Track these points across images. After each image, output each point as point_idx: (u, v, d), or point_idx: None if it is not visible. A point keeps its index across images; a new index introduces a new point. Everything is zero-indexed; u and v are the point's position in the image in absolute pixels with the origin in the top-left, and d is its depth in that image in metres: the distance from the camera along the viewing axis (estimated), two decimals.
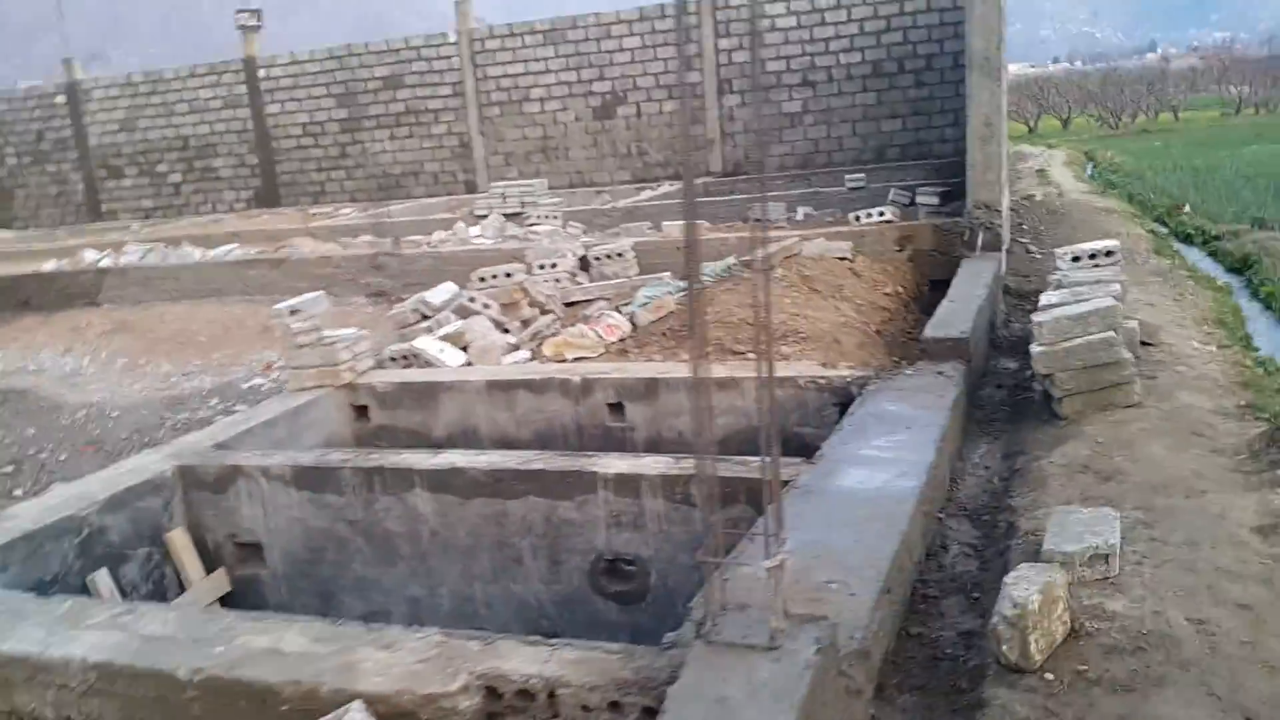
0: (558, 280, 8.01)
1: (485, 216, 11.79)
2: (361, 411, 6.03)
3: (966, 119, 7.21)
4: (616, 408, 5.56)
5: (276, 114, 18.23)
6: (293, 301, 5.92)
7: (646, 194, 14.16)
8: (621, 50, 16.30)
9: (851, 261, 7.31)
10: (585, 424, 5.64)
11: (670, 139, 16.41)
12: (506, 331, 7.11)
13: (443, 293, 7.25)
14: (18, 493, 5.38)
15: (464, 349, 6.59)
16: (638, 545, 4.06)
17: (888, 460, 3.82)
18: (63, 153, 19.51)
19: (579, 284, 8.16)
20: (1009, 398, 5.26)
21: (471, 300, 7.00)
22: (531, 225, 10.52)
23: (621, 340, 6.44)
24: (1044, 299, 5.04)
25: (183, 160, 18.91)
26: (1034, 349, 4.58)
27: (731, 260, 7.05)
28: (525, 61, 16.73)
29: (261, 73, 18.06)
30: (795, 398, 5.22)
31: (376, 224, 12.59)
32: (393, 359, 6.61)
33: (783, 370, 5.31)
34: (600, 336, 6.42)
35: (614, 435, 5.58)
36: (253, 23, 17.89)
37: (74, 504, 4.22)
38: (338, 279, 9.21)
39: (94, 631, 3.06)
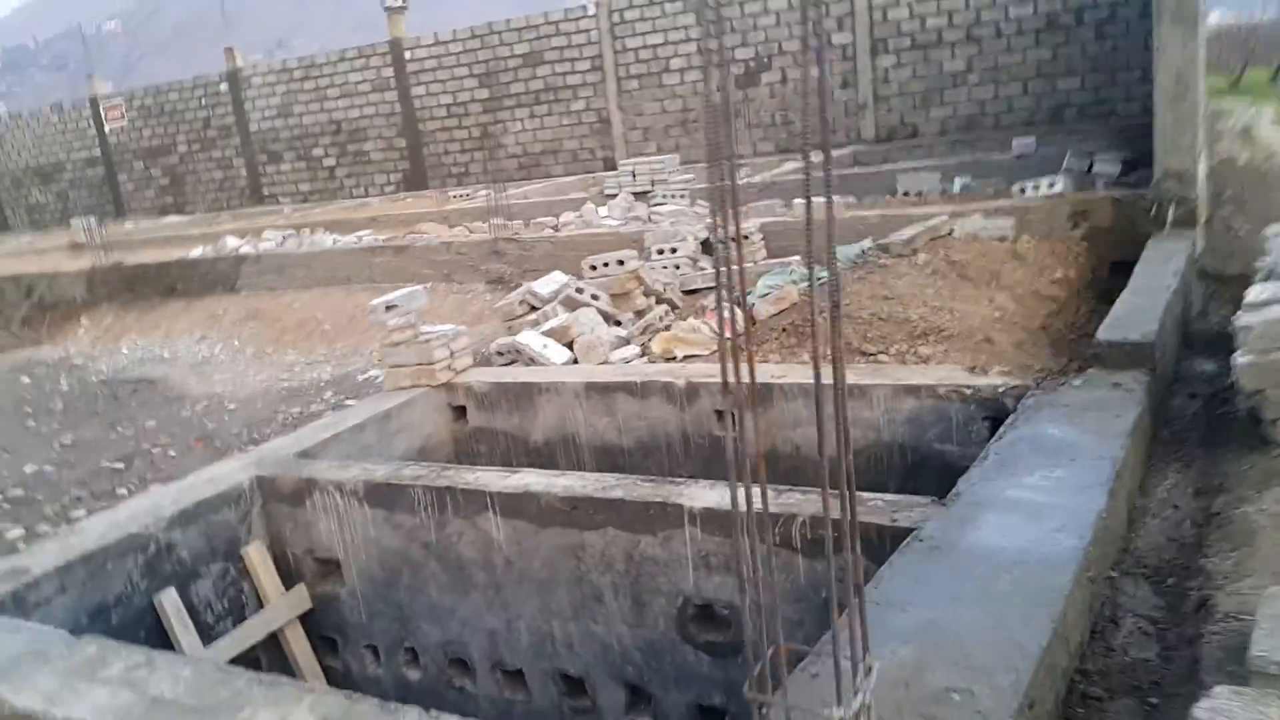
0: (676, 266, 7.42)
1: (615, 196, 11.32)
2: (460, 413, 5.66)
3: (1155, 75, 6.10)
4: (723, 415, 4.94)
5: (422, 96, 18.35)
6: (389, 296, 5.59)
7: (789, 165, 13.30)
8: (766, 13, 15.41)
9: (1013, 242, 6.36)
10: (691, 432, 5.05)
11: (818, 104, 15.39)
12: (618, 324, 6.60)
13: (551, 283, 6.80)
14: (121, 491, 5.32)
15: (569, 344, 6.12)
16: (731, 591, 3.46)
17: (1043, 505, 3.05)
18: (227, 139, 20.39)
19: (701, 270, 7.54)
20: (1204, 411, 4.30)
21: (579, 291, 6.51)
22: (657, 205, 9.95)
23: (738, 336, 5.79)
24: (1251, 293, 4.05)
25: (335, 144, 19.36)
26: (1239, 359, 3.65)
27: (866, 244, 6.26)
28: (664, 31, 16.10)
29: (407, 55, 18.19)
30: (935, 408, 4.45)
31: (504, 206, 12.35)
32: (499, 354, 6.22)
33: (919, 376, 4.55)
34: (714, 331, 5.80)
35: (721, 447, 4.97)
36: (398, 4, 18.02)
37: (141, 519, 4.01)
38: (459, 265, 8.95)
39: (104, 687, 2.75)
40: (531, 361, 6.04)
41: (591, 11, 16.54)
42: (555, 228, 9.97)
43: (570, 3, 17.05)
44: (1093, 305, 5.70)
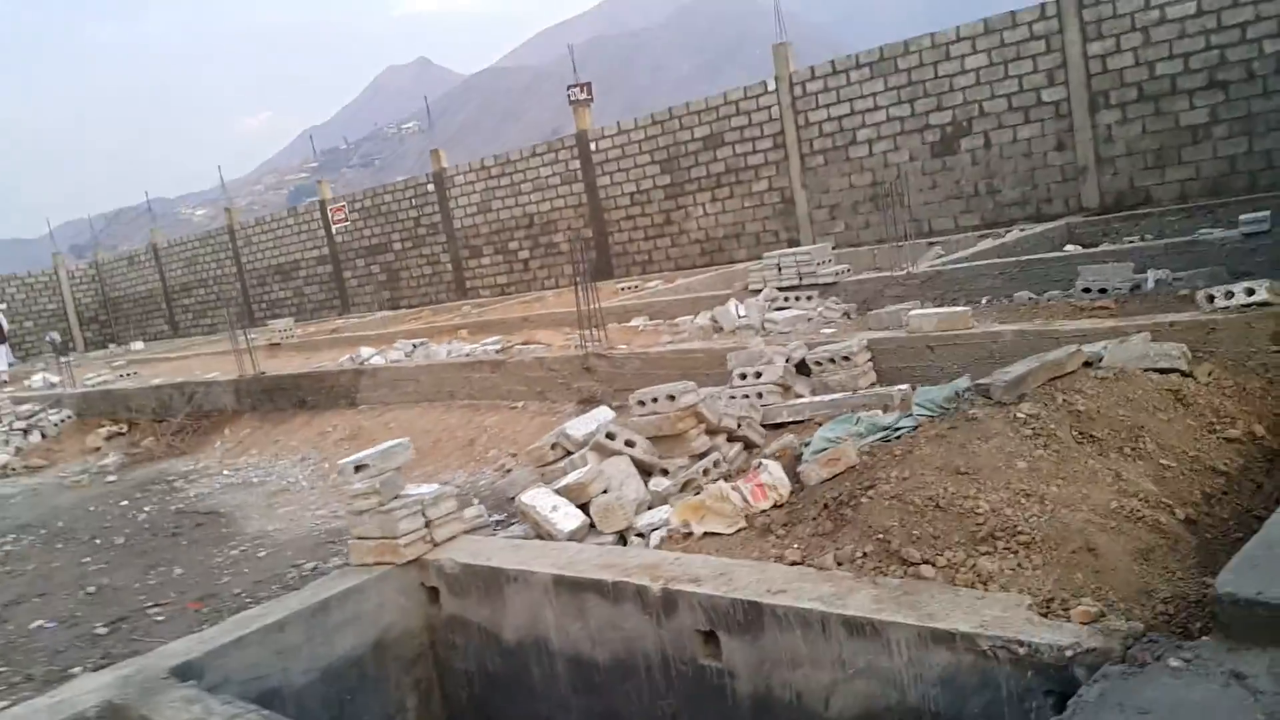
0: (759, 395, 6.14)
1: (760, 291, 10.12)
2: (436, 595, 4.72)
3: None
4: (711, 637, 3.65)
5: (606, 186, 18.11)
6: (361, 455, 4.78)
7: (987, 243, 11.48)
8: (964, 72, 13.72)
9: (1184, 376, 4.56)
10: (672, 655, 3.78)
11: (1029, 171, 13.44)
12: (665, 473, 5.42)
13: (589, 421, 5.76)
14: (75, 670, 4.82)
15: (585, 505, 5.03)
16: None
17: None
18: (434, 236, 21.20)
19: (799, 397, 6.21)
20: None
21: (610, 436, 5.40)
22: (780, 308, 8.65)
23: (777, 507, 4.45)
24: None
25: (529, 237, 19.53)
26: None
27: (963, 383, 4.70)
28: (850, 100, 14.81)
29: (592, 146, 18.05)
30: (977, 669, 2.94)
31: (650, 303, 11.48)
32: (505, 517, 5.25)
33: (962, 612, 3.06)
34: (747, 501, 4.50)
35: (708, 682, 3.67)
36: (583, 96, 17.98)
37: None
38: (552, 383, 8.12)
39: None
40: (536, 528, 5.01)
41: (771, 87, 15.56)
42: (677, 333, 8.94)
43: (752, 80, 16.19)
44: None
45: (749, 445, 5.86)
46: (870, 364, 6.18)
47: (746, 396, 6.16)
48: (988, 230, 13.16)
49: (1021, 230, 12.10)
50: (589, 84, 17.99)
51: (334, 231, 22.76)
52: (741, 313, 9.33)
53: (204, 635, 4.12)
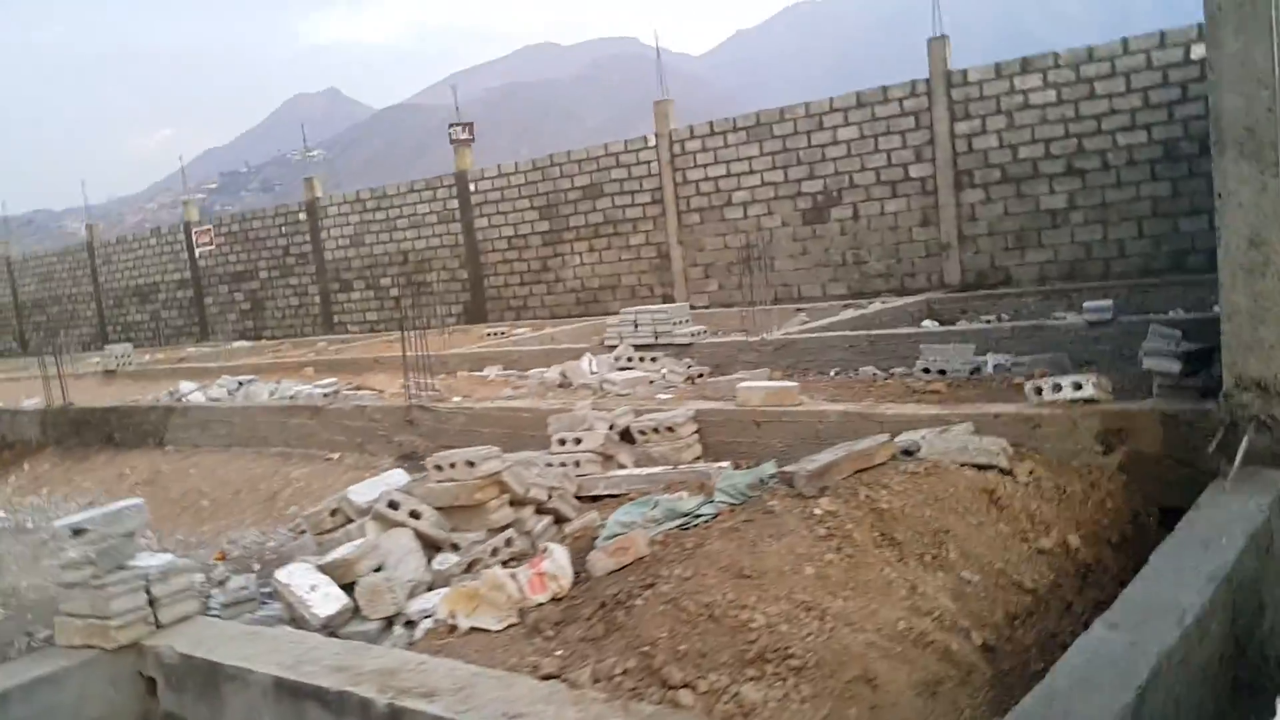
0: (576, 463, 5.66)
1: (615, 346, 9.72)
2: (155, 687, 4.03)
3: (1219, 236, 4.03)
4: None
5: (484, 227, 17.59)
6: (85, 515, 4.09)
7: (849, 313, 11.38)
8: (836, 143, 13.79)
9: (1002, 473, 4.28)
10: None
11: (894, 244, 13.51)
12: (456, 549, 4.87)
13: (375, 486, 5.17)
14: None
15: (350, 585, 4.43)
16: None
17: None
18: (303, 266, 20.23)
19: (621, 467, 5.76)
20: None
21: (393, 505, 4.83)
22: (623, 368, 8.26)
23: (555, 600, 3.96)
24: None
25: (402, 274, 18.79)
26: None
27: (769, 469, 4.32)
28: (727, 162, 14.74)
29: (471, 186, 17.54)
30: None
31: (507, 352, 10.95)
32: (261, 594, 4.61)
33: None
34: (522, 592, 3.99)
35: None
36: (465, 136, 17.50)
37: None
38: (374, 434, 7.48)
39: None
40: (291, 611, 4.38)
41: (652, 142, 15.40)
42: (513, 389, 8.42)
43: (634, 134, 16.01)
44: (1115, 589, 3.56)
45: (560, 519, 5.37)
46: (696, 436, 5.79)
47: (564, 464, 5.68)
48: (853, 300, 13.13)
49: (884, 303, 12.09)
50: (470, 124, 17.51)
51: (198, 255, 21.52)
52: (594, 369, 8.90)
53: None
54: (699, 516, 4.19)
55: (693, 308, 13.83)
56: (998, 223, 12.70)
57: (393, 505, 4.81)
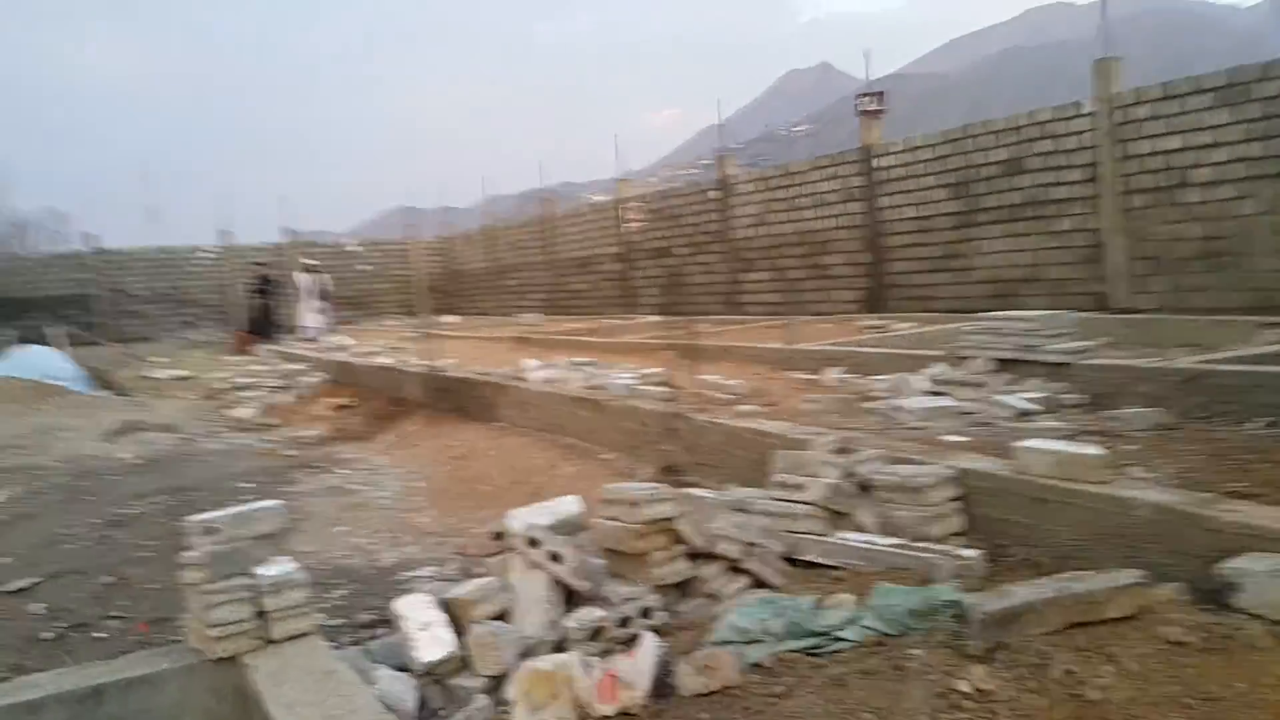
0: (791, 517, 4.56)
1: (966, 359, 8.11)
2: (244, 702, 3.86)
3: None
4: None
5: (887, 208, 16.18)
6: (215, 514, 4.05)
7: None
8: None
9: None
10: None
11: None
12: (608, 603, 4.11)
13: (543, 512, 4.55)
14: None
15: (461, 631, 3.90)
16: None
17: None
18: (713, 245, 20.40)
19: (859, 530, 4.54)
20: None
21: (533, 543, 4.17)
22: (932, 393, 6.68)
23: (625, 717, 3.05)
24: None
25: (802, 256, 18.09)
26: None
27: (945, 593, 2.92)
28: (1183, 133, 11.75)
29: (875, 162, 16.20)
30: None
31: (853, 353, 9.75)
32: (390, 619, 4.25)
33: None
34: (591, 696, 3.13)
35: None
36: (874, 106, 16.15)
37: None
38: (643, 438, 6.94)
39: None
40: (401, 646, 3.97)
41: (1088, 109, 12.84)
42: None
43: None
44: None
45: (760, 584, 4.35)
46: (957, 505, 4.35)
47: (771, 515, 4.61)
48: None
49: None
50: (881, 94, 16.09)
51: (627, 230, 22.80)
52: (929, 387, 7.47)
53: None
54: (840, 638, 2.98)
55: (1135, 311, 11.40)
56: None
57: (533, 542, 4.18)
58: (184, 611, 4.10)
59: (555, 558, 4.14)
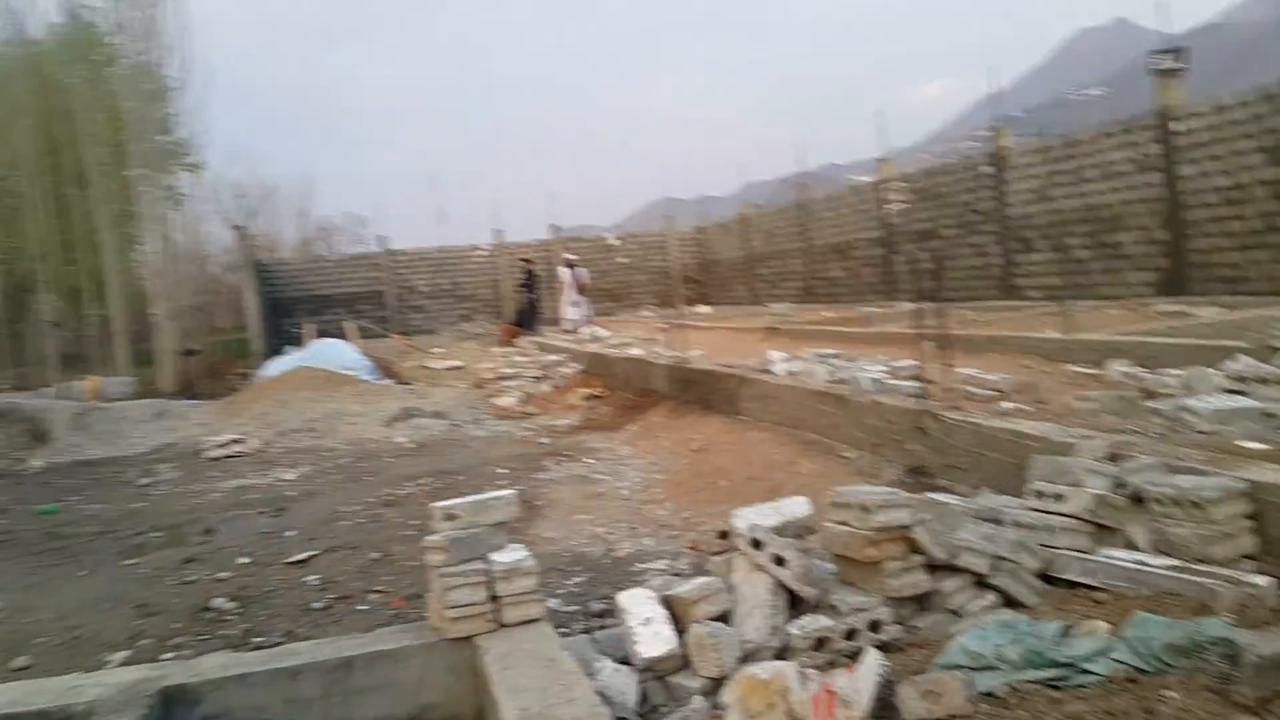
0: (1049, 530, 4.07)
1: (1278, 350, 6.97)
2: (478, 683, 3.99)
3: None
4: None
5: (1191, 177, 14.35)
6: (458, 501, 4.24)
7: None
8: None
9: None
10: None
11: None
12: (834, 611, 3.87)
13: (770, 513, 4.34)
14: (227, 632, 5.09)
15: (683, 629, 3.82)
16: None
17: None
18: (986, 225, 19.05)
19: (1131, 546, 3.99)
20: None
21: (756, 544, 3.98)
22: (1232, 390, 5.70)
23: None
24: None
25: (1088, 234, 16.48)
26: None
27: (1217, 627, 2.42)
28: None
29: (1174, 127, 14.40)
30: None
31: (1142, 344, 8.68)
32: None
33: None
34: (806, 711, 2.94)
35: None
36: (1173, 65, 14.33)
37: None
38: (888, 437, 6.54)
39: None
40: (623, 639, 3.96)
41: None
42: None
43: None
44: None
45: (1010, 602, 3.94)
46: (1248, 523, 3.69)
47: (1028, 528, 4.14)
48: None
49: None
50: (1180, 50, 14.21)
51: (889, 213, 21.87)
52: (1223, 384, 6.48)
53: (213, 661, 4.01)
54: (1088, 670, 2.59)
55: None
56: None
57: (756, 544, 4.01)
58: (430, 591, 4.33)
59: (779, 561, 3.95)
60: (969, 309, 16.43)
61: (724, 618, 3.93)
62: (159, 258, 21.60)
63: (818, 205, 25.48)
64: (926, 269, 20.86)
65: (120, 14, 21.74)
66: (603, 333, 19.00)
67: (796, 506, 4.41)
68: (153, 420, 13.21)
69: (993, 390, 6.94)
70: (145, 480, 9.85)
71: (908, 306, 18.62)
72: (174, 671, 3.90)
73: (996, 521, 4.17)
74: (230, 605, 5.49)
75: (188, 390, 19.03)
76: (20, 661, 4.77)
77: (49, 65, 21.96)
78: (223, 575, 6.11)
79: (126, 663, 4.66)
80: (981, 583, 4.01)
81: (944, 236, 20.41)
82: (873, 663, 3.01)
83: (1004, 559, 3.99)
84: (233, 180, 44.83)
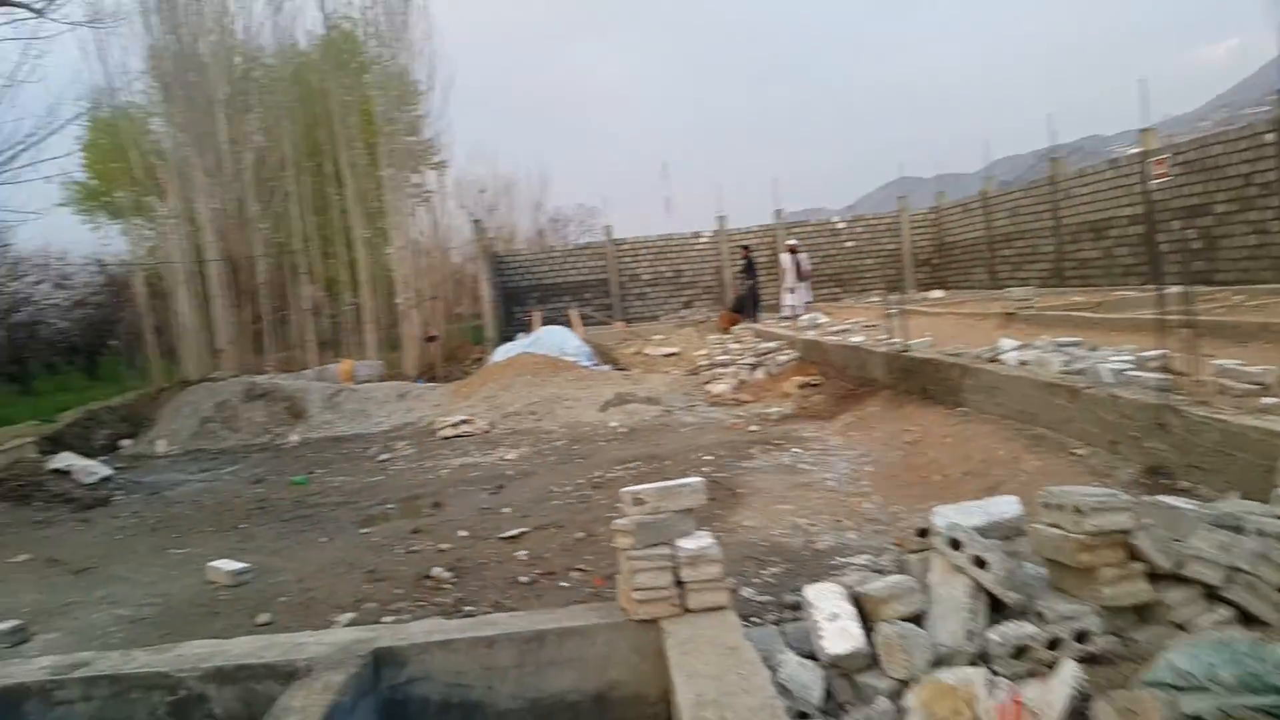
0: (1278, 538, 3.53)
1: None
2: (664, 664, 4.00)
3: None
4: None
5: None
6: (647, 487, 4.27)
7: None
8: None
9: None
10: None
11: None
12: (1041, 618, 3.56)
13: (975, 513, 4.03)
14: (472, 608, 5.38)
15: (870, 629, 3.66)
16: None
17: None
18: (1266, 198, 16.85)
19: None
20: None
21: (954, 545, 3.70)
22: None
23: None
24: None
25: None
26: None
27: None
28: None
29: None
30: None
31: None
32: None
33: None
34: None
35: None
36: None
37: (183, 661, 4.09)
38: (1124, 433, 5.93)
39: None
40: (810, 634, 3.85)
41: None
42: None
43: None
44: None
45: (1248, 618, 3.48)
46: None
47: (1274, 536, 3.61)
48: None
49: None
50: None
51: (1152, 187, 19.82)
52: None
53: (421, 627, 4.27)
54: None
55: None
56: None
57: (955, 544, 3.75)
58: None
59: (980, 563, 3.68)
60: (1240, 293, 14.63)
61: (918, 619, 3.73)
62: (405, 250, 23.40)
63: (1070, 181, 23.54)
64: (1193, 249, 18.84)
65: (374, 22, 23.70)
66: (823, 319, 18.58)
67: (1005, 506, 4.10)
68: (395, 401, 14.36)
69: (1253, 384, 6.13)
70: (385, 456, 10.72)
71: (1170, 290, 16.87)
72: (385, 634, 4.21)
73: (1237, 529, 3.67)
74: (447, 575, 5.85)
75: (428, 373, 20.52)
76: (263, 618, 5.32)
77: (311, 73, 24.25)
78: (444, 546, 6.52)
79: (352, 624, 5.08)
80: (1214, 595, 3.57)
81: (1216, 213, 18.26)
82: (1067, 674, 2.74)
83: (1241, 570, 3.51)
84: (474, 176, 47.74)
